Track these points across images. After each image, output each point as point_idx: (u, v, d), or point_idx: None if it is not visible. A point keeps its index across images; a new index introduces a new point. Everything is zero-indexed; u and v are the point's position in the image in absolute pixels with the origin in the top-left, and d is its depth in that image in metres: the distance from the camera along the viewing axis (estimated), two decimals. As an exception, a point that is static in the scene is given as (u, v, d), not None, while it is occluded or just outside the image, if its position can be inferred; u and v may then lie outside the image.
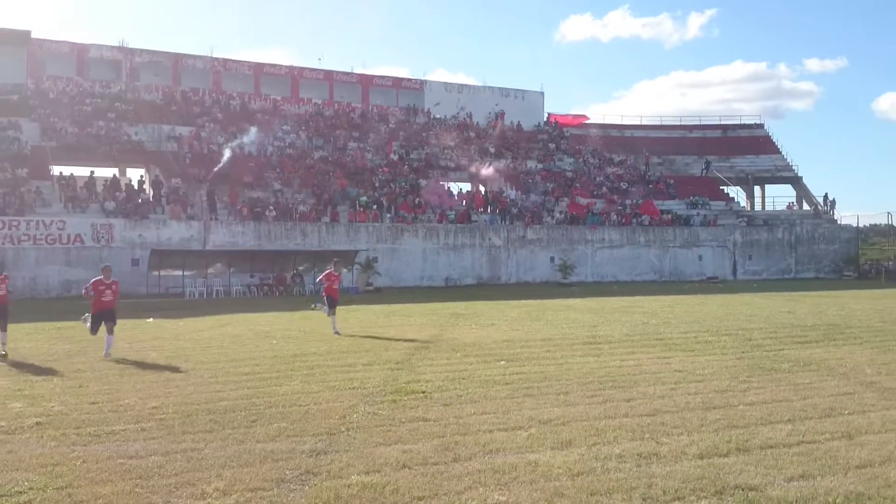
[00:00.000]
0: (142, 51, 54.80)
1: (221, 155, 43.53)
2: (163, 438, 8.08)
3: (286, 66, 60.48)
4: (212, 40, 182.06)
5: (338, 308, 19.21)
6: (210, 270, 37.63)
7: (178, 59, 55.73)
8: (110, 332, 14.47)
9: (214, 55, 57.26)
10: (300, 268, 39.38)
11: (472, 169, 52.01)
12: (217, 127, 49.45)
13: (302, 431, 8.28)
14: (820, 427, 8.22)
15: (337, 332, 18.04)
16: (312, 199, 43.91)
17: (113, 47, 53.83)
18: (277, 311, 25.89)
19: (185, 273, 36.76)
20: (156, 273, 36.05)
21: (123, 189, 40.61)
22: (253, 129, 47.11)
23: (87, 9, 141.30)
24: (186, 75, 55.65)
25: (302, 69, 60.52)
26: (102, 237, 36.26)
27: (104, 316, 14.66)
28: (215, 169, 42.11)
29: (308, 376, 11.89)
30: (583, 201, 51.80)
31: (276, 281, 38.22)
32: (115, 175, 43.68)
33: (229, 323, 21.39)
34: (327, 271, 20.07)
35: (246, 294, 36.53)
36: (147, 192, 41.79)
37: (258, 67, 58.90)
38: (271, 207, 41.29)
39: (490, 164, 52.09)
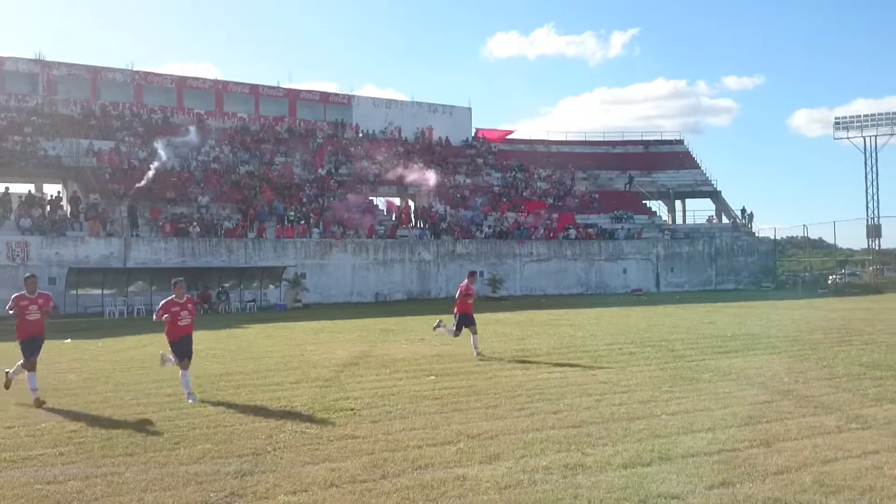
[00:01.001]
0: (59, 63, 53.08)
1: (144, 170, 42.47)
2: (82, 462, 7.82)
3: (210, 80, 59.51)
4: (132, 54, 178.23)
5: (264, 325, 18.80)
6: (131, 289, 36.62)
7: (97, 72, 54.22)
8: (185, 367, 11.52)
9: (135, 68, 55.98)
10: (226, 285, 38.67)
11: (401, 170, 51.77)
12: (138, 141, 48.28)
13: (227, 452, 8.11)
14: (739, 435, 8.46)
15: (479, 353, 16.25)
16: (238, 215, 43.23)
17: (29, 60, 52.02)
18: (202, 329, 25.27)
19: (105, 292, 35.70)
20: (74, 292, 34.89)
21: (41, 205, 39.20)
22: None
23: (2, 20, 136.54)
24: (106, 89, 54.16)
25: (227, 83, 59.66)
26: (18, 255, 34.97)
27: (183, 345, 11.69)
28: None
29: (234, 396, 11.67)
30: (512, 215, 52.37)
31: (200, 299, 37.38)
32: (30, 191, 42.18)
33: (151, 343, 20.81)
34: (465, 283, 17.21)
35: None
36: (65, 208, 40.46)
37: (181, 81, 57.77)
38: (195, 223, 40.46)
39: (424, 170, 51.99)
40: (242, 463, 7.66)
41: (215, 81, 59.41)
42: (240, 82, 60.13)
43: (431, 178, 50.88)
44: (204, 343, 20.49)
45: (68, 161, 44.30)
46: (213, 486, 6.87)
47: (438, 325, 17.87)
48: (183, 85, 57.40)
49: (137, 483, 7.02)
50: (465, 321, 16.80)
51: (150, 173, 40.79)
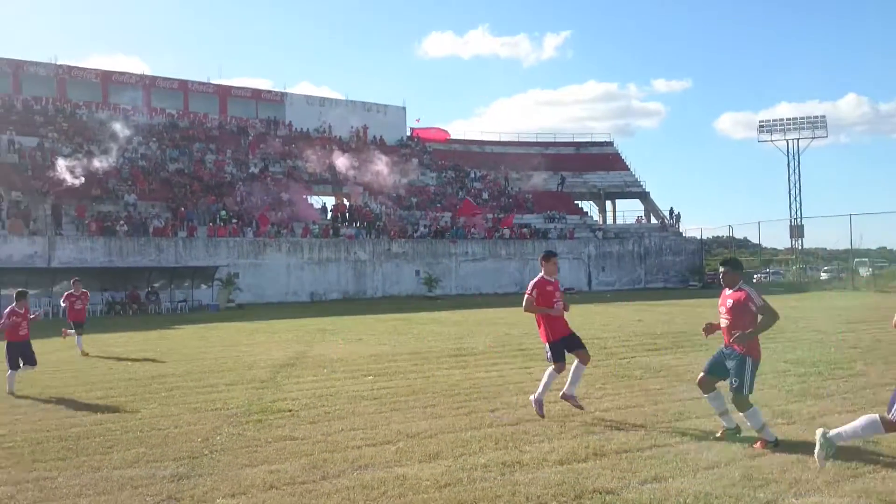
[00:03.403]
0: (-22, 57, 51.13)
1: (69, 166, 41.17)
2: (12, 468, 7.59)
3: (137, 75, 58.11)
4: (56, 47, 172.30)
5: (196, 326, 18.42)
6: (56, 289, 35.43)
7: (19, 65, 52.36)
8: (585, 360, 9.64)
9: (59, 62, 54.18)
10: (156, 285, 37.80)
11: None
12: (62, 137, 46.77)
13: (162, 456, 7.97)
14: (670, 431, 8.71)
15: None
16: (168, 213, 42.28)
17: (-55, 52, 49.92)
18: (132, 330, 24.72)
19: (29, 292, 34.42)
20: (-5, 292, 33.57)
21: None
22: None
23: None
24: (28, 83, 52.36)
25: (154, 78, 58.34)
26: (-66, 254, 33.49)
27: (571, 339, 9.67)
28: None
29: (167, 399, 11.45)
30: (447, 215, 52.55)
31: (129, 299, 36.49)
32: (-54, 188, 40.42)
33: (76, 346, 20.20)
34: None
35: (96, 314, 34.62)
36: (-16, 206, 38.90)
37: (106, 75, 56.19)
38: (122, 222, 39.41)
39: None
40: (178, 466, 7.54)
41: (142, 76, 58.05)
42: (168, 77, 58.85)
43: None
44: (134, 345, 20.05)
45: (-12, 157, 42.67)
46: (149, 490, 6.76)
47: None
48: (108, 80, 55.86)
49: (71, 488, 6.85)
50: None
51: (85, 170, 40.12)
